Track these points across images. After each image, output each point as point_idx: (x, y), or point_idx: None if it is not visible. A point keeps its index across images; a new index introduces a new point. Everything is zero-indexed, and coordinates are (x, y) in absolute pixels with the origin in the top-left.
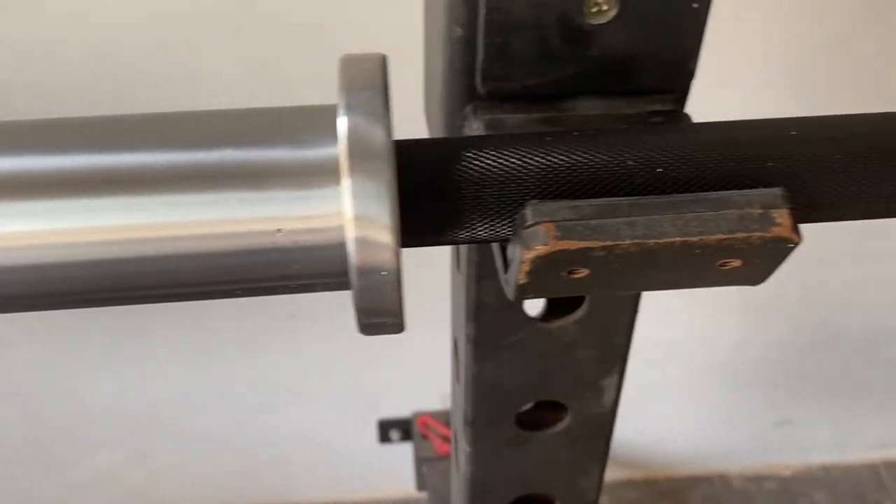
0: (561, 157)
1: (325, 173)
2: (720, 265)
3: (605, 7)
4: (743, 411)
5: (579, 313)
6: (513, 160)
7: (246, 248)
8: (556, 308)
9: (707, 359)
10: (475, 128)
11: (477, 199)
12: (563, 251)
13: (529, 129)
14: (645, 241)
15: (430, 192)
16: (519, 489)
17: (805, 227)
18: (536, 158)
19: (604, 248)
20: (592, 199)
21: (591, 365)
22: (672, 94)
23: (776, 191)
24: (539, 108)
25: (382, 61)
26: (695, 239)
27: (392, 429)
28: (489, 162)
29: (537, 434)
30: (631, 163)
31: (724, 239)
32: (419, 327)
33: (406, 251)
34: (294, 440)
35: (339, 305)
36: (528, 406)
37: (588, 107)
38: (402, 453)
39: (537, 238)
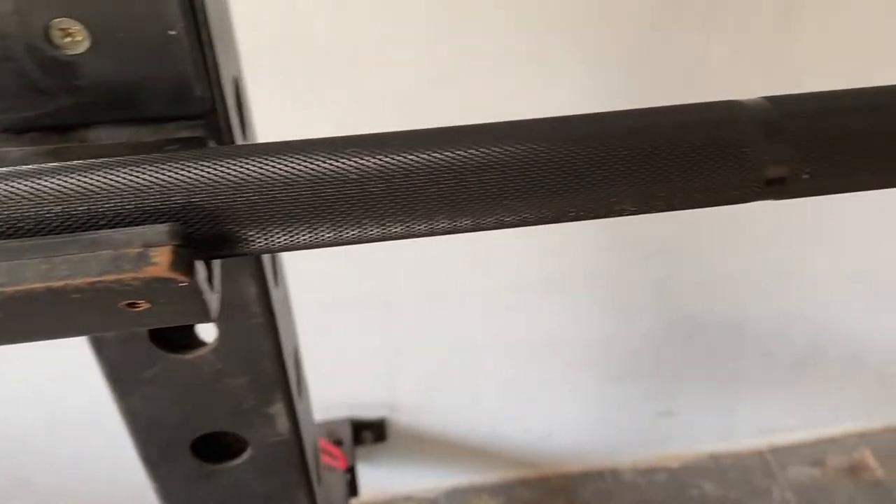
0: None
1: None
2: (128, 307)
3: (78, 38)
4: (623, 404)
5: (214, 343)
6: None
7: None
8: (186, 340)
9: (577, 354)
10: None
11: None
12: None
13: (33, 161)
14: (3, 289)
15: None
16: None
17: (654, 219)
18: None
19: None
20: None
21: (247, 394)
22: (200, 121)
23: (163, 227)
24: (54, 140)
25: None
26: (60, 284)
27: None
28: None
29: (221, 467)
30: (27, 199)
31: (95, 282)
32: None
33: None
34: None
35: None
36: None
37: (105, 136)
38: None
39: None
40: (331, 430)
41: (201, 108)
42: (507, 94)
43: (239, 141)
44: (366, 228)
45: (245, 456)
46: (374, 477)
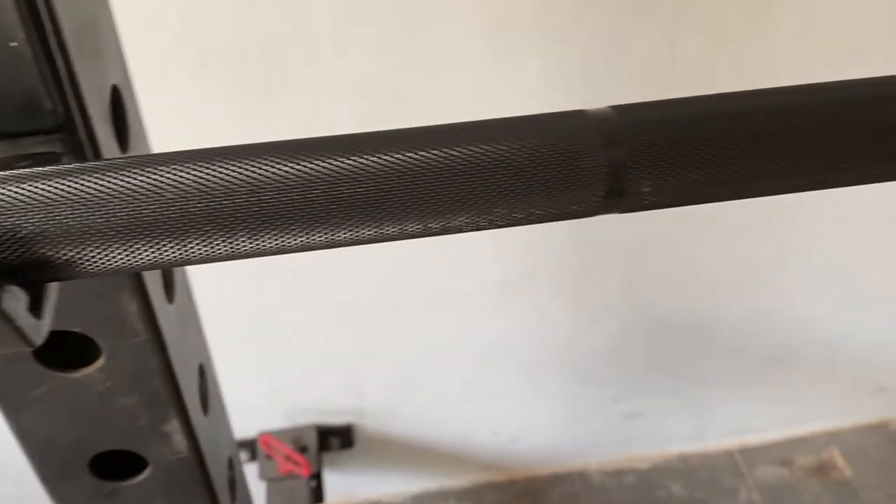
0: None
1: None
2: None
3: None
4: (592, 406)
5: (101, 361)
6: None
7: None
8: (76, 357)
9: (545, 357)
10: None
11: None
12: None
13: None
14: None
15: None
16: None
17: (621, 217)
18: None
19: None
20: None
21: (139, 412)
22: (57, 135)
23: None
24: None
25: None
26: None
27: (240, 450)
28: None
29: (122, 485)
30: None
31: None
32: (250, 346)
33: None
34: None
35: None
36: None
37: None
38: (254, 473)
39: None
40: (296, 437)
41: (54, 122)
42: (472, 90)
43: (111, 154)
44: (189, 247)
45: (145, 474)
46: (342, 483)
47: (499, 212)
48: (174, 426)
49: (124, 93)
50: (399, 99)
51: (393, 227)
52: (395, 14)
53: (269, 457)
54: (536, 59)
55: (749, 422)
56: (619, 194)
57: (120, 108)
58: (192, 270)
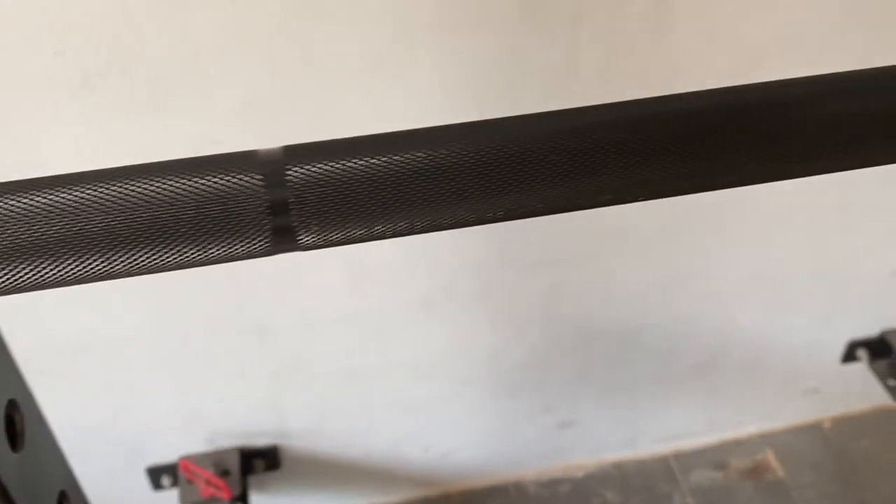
0: None
1: None
2: None
3: None
4: (522, 417)
5: None
6: None
7: None
8: None
9: (469, 370)
10: None
11: None
12: None
13: None
14: None
15: None
16: None
17: (540, 229)
18: None
19: None
20: None
21: None
22: None
23: None
24: None
25: None
26: None
27: (162, 475)
28: None
29: None
30: None
31: None
32: (168, 371)
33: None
34: None
35: (74, 355)
36: None
37: None
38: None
39: None
40: (218, 461)
41: None
42: (368, 104)
43: None
44: None
45: None
46: None
47: (167, 252)
48: None
49: None
50: (292, 115)
51: (75, 263)
52: (281, 29)
53: (189, 481)
54: (434, 71)
55: (683, 427)
56: (286, 234)
57: None
58: (86, 299)
